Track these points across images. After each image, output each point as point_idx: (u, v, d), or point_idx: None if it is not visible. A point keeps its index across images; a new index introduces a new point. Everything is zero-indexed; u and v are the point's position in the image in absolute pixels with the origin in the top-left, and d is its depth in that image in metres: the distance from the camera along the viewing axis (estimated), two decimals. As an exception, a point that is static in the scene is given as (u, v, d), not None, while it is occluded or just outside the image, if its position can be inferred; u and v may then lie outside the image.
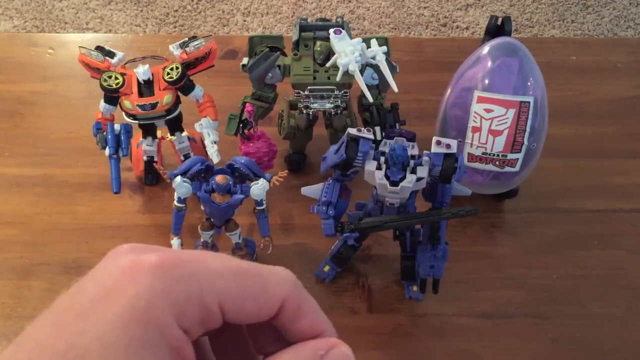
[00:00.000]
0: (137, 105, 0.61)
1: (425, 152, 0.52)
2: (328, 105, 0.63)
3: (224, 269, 0.22)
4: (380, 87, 0.66)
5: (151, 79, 0.62)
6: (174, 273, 0.21)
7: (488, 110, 0.63)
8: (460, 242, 0.66)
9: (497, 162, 0.63)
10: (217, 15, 1.77)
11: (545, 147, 0.65)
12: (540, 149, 0.64)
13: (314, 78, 0.62)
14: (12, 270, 0.63)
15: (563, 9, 1.81)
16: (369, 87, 0.61)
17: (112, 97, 0.62)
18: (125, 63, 0.64)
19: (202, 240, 0.60)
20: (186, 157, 0.67)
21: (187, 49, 0.64)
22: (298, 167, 0.72)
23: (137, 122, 0.64)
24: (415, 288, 0.60)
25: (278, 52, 0.65)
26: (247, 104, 0.65)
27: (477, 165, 0.64)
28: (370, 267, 0.64)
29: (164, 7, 1.78)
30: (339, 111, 0.64)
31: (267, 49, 0.65)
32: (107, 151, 0.62)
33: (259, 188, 0.55)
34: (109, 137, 0.62)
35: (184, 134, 0.67)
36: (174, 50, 0.65)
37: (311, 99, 0.63)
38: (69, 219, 0.68)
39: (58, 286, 0.62)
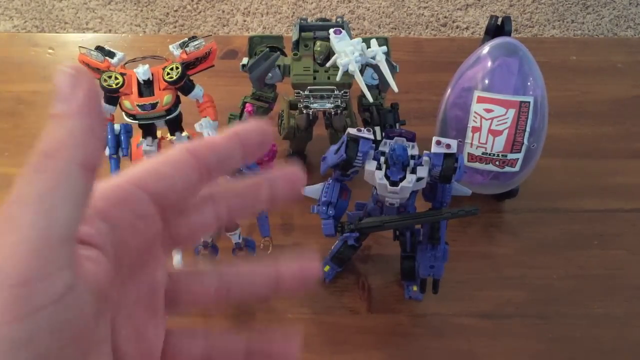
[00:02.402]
0: (137, 105, 0.61)
1: (425, 152, 0.52)
2: (328, 105, 0.63)
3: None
4: (380, 87, 0.66)
5: (151, 79, 0.62)
6: None
7: (488, 110, 0.63)
8: (460, 242, 0.66)
9: (497, 162, 0.63)
10: (217, 15, 1.77)
11: (545, 147, 0.65)
12: (540, 149, 0.64)
13: (314, 78, 0.62)
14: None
15: (563, 9, 1.81)
16: (369, 87, 0.61)
17: (112, 97, 0.62)
18: (125, 63, 0.64)
19: (202, 240, 0.60)
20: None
21: (187, 49, 0.64)
22: (298, 167, 0.72)
23: (137, 122, 0.63)
24: (415, 288, 0.60)
25: (278, 52, 0.65)
26: (247, 104, 0.65)
27: (477, 165, 0.64)
28: (370, 267, 0.64)
29: (164, 7, 1.78)
30: (339, 111, 0.64)
31: (267, 49, 0.65)
32: (107, 151, 0.62)
33: (259, 188, 0.55)
34: (109, 137, 0.62)
35: (184, 134, 0.67)
36: (174, 50, 0.65)
37: (311, 99, 0.63)
38: (69, 219, 0.67)
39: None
